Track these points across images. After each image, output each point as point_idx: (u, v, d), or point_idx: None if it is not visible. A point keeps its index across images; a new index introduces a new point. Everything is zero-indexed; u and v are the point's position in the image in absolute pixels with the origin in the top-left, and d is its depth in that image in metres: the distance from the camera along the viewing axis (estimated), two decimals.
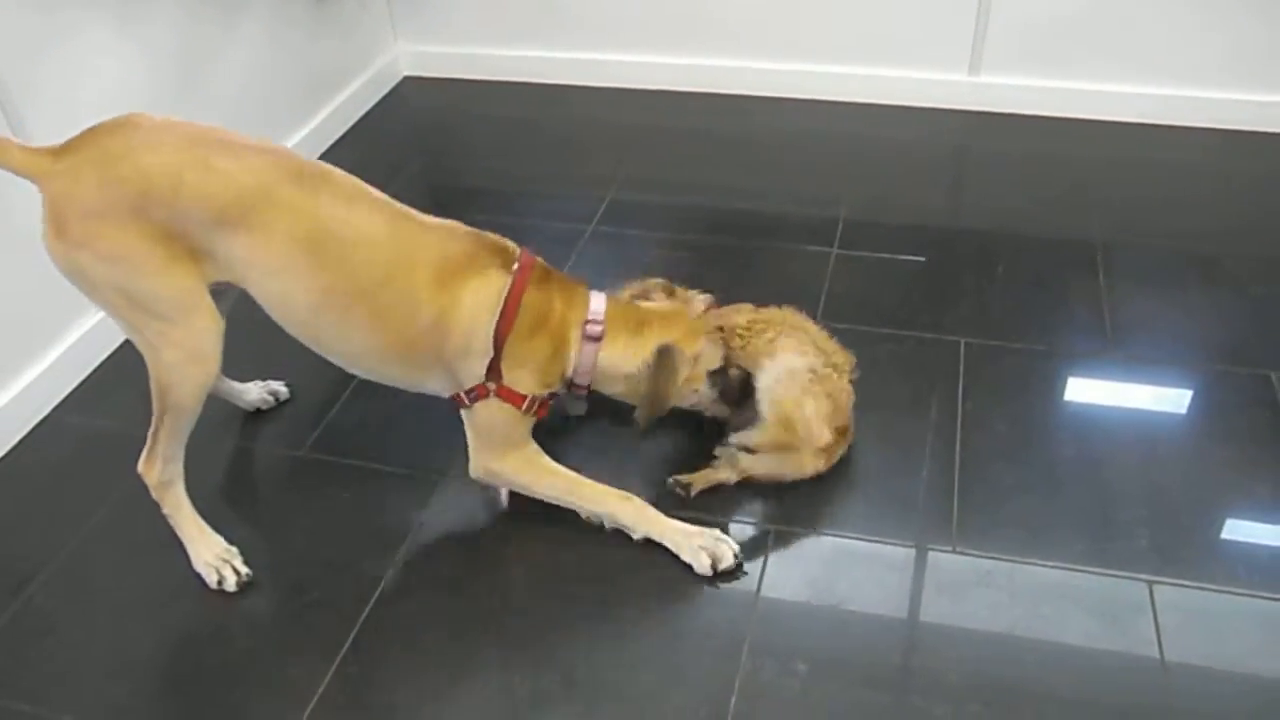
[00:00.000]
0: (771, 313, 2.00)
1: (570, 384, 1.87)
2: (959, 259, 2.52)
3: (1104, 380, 2.16)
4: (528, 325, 1.75)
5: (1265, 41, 2.81)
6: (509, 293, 1.73)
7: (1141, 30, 2.87)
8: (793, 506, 1.88)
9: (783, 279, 2.47)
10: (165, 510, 1.85)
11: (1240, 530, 1.83)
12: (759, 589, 1.76)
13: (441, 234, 1.76)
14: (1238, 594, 1.70)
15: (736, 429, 1.93)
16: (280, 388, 2.22)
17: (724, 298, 2.31)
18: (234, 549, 1.86)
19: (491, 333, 1.73)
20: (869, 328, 2.27)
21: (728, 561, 1.77)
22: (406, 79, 3.49)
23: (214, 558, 1.84)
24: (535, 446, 1.89)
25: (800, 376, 1.87)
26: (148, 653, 1.74)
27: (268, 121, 2.89)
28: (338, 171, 1.75)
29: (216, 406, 2.22)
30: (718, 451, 1.94)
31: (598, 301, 1.84)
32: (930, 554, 1.80)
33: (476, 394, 1.79)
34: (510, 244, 1.82)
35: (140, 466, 1.81)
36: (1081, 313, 2.31)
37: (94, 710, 1.64)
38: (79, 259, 1.63)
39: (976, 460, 1.96)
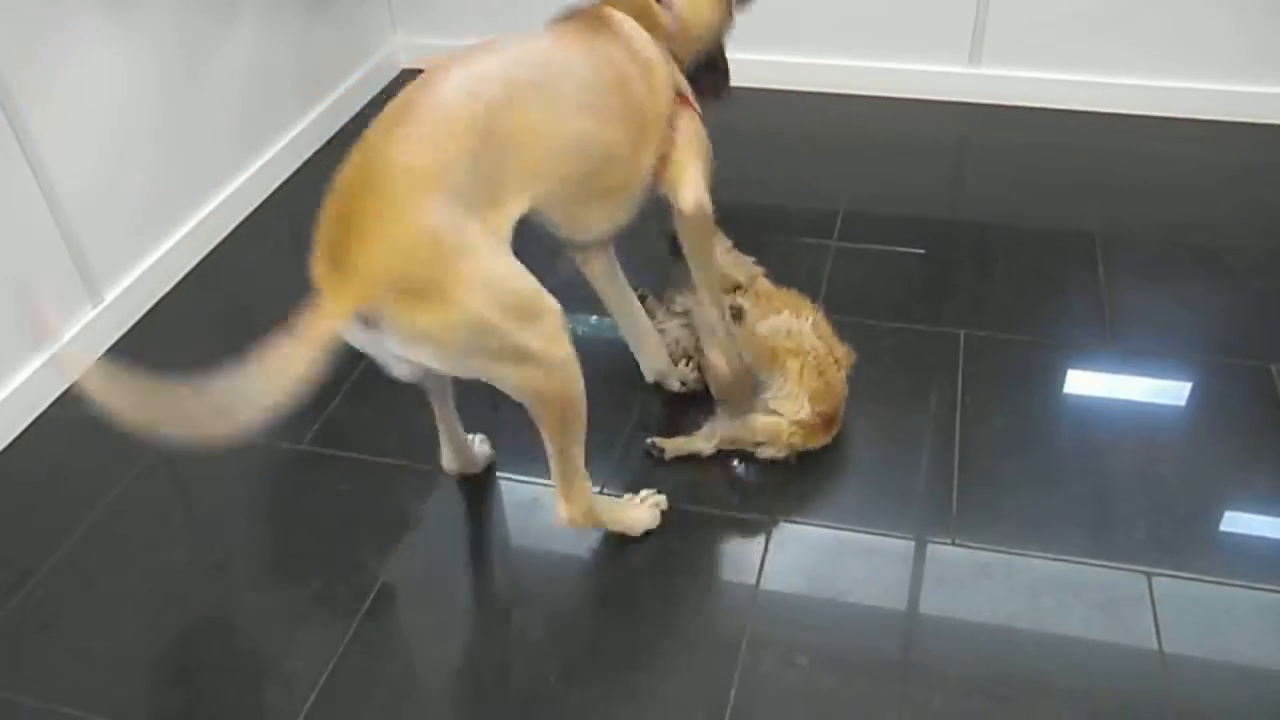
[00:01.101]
0: (785, 293, 2.09)
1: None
2: (958, 251, 2.52)
3: (1103, 372, 2.16)
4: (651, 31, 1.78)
5: (1267, 33, 2.80)
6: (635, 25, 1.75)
7: (1142, 22, 2.87)
8: (792, 499, 1.89)
9: (782, 271, 2.46)
10: (606, 523, 1.76)
11: (1239, 523, 1.83)
12: (758, 582, 1.76)
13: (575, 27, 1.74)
14: (1237, 586, 1.70)
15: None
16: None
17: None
18: (653, 493, 1.87)
19: (648, 55, 1.74)
20: (868, 320, 2.27)
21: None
22: (405, 72, 3.48)
23: (647, 511, 1.83)
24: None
25: (798, 339, 1.92)
26: (148, 646, 1.74)
27: (264, 114, 2.89)
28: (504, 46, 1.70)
29: None
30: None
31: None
32: (929, 546, 1.80)
33: (678, 113, 1.77)
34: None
35: (561, 519, 1.68)
36: (1081, 305, 2.30)
37: (94, 703, 1.64)
38: (450, 313, 1.39)
39: (975, 452, 1.96)
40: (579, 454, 1.64)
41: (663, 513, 1.86)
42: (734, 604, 1.73)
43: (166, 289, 2.54)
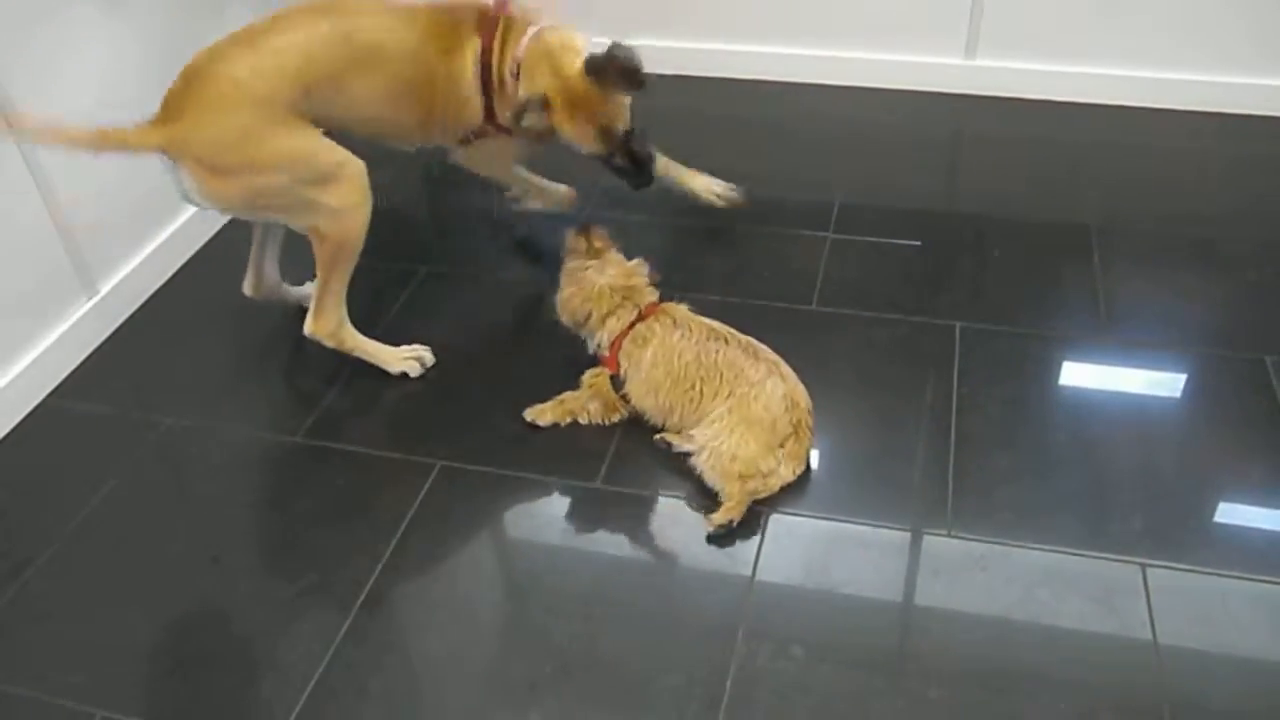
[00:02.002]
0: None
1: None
2: (954, 243, 2.52)
3: (1098, 364, 2.17)
4: (496, 82, 2.11)
5: (1261, 25, 2.80)
6: (480, 55, 2.09)
7: (1137, 14, 2.86)
8: (787, 490, 1.88)
9: (778, 263, 2.47)
10: (346, 348, 2.14)
11: (1234, 514, 1.84)
12: (754, 573, 1.76)
13: (430, 21, 2.07)
14: (1231, 577, 1.70)
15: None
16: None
17: (722, 283, 2.32)
18: (416, 345, 2.19)
19: (477, 88, 2.12)
20: (864, 312, 2.27)
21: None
22: None
23: (404, 358, 2.18)
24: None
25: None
26: (145, 637, 1.74)
27: None
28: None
29: (205, 398, 2.22)
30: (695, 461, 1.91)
31: (522, 47, 2.08)
32: (925, 538, 1.81)
33: (479, 133, 2.20)
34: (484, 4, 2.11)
35: (310, 327, 2.09)
36: (1076, 296, 2.31)
37: (91, 694, 1.65)
38: (250, 184, 1.92)
39: (971, 444, 1.96)
40: (340, 288, 2.07)
41: (659, 496, 1.86)
42: (730, 595, 1.73)
43: (162, 282, 2.53)
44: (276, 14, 2.00)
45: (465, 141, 2.24)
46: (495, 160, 2.36)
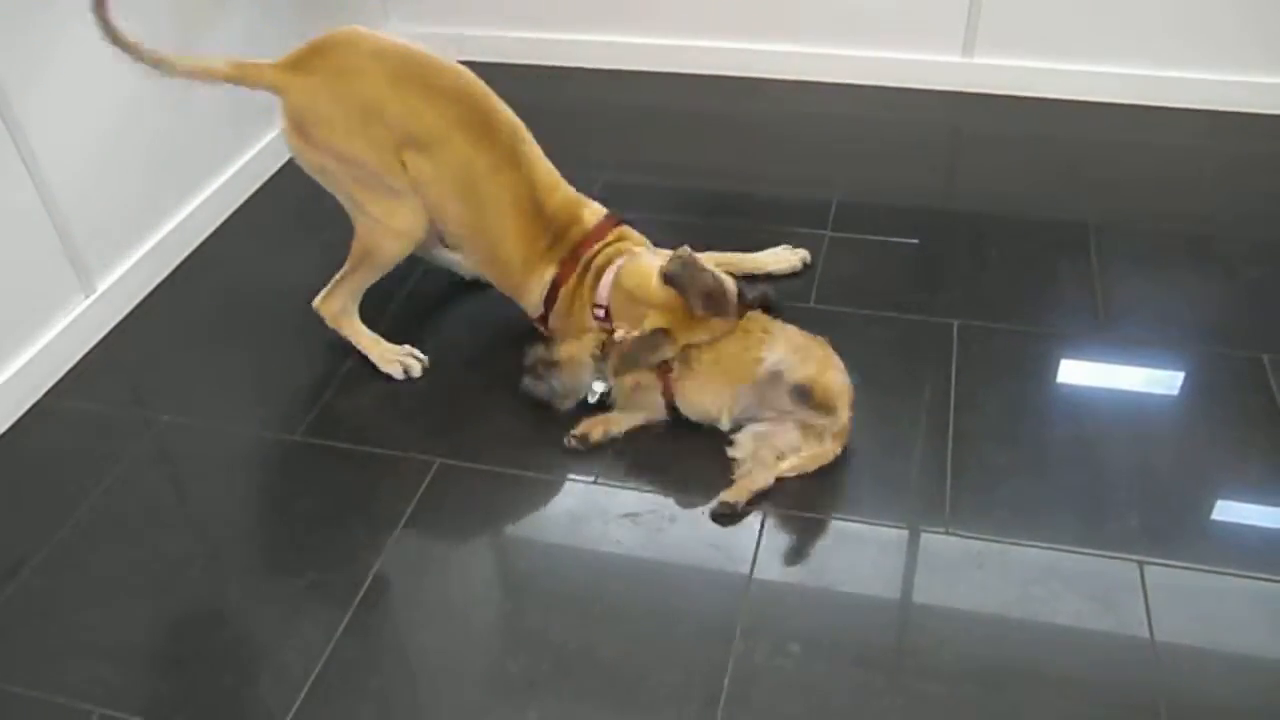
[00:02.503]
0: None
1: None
2: (952, 241, 2.52)
3: (1096, 362, 2.17)
4: (560, 314, 2.14)
5: (1259, 23, 2.80)
6: (553, 281, 2.11)
7: (1135, 12, 2.86)
8: (785, 488, 1.89)
9: None
10: (343, 334, 2.23)
11: (1231, 511, 1.84)
12: (752, 571, 1.76)
13: (532, 226, 2.10)
14: (1228, 574, 1.71)
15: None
16: None
17: None
18: (408, 346, 2.23)
19: (541, 304, 2.15)
20: (862, 310, 2.27)
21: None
22: None
23: (395, 357, 2.22)
24: None
25: (813, 350, 1.93)
26: (142, 635, 1.74)
27: (257, 101, 2.87)
28: (503, 129, 2.08)
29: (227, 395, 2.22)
30: (736, 453, 1.92)
31: (603, 291, 2.06)
32: (923, 535, 1.81)
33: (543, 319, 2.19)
34: (584, 228, 2.13)
35: (317, 302, 2.21)
36: (1074, 294, 2.31)
37: (88, 692, 1.65)
38: (322, 159, 2.06)
39: (969, 442, 1.96)
40: (357, 287, 2.20)
41: (657, 495, 1.86)
42: (728, 592, 1.74)
43: (159, 280, 2.53)
44: (455, 66, 2.08)
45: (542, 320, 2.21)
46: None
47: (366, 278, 2.18)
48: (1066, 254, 2.43)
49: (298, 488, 1.98)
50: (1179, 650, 1.61)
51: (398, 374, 2.20)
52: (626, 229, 2.16)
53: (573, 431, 2.00)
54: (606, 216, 2.16)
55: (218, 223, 2.72)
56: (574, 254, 2.10)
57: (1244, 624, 1.64)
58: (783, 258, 2.37)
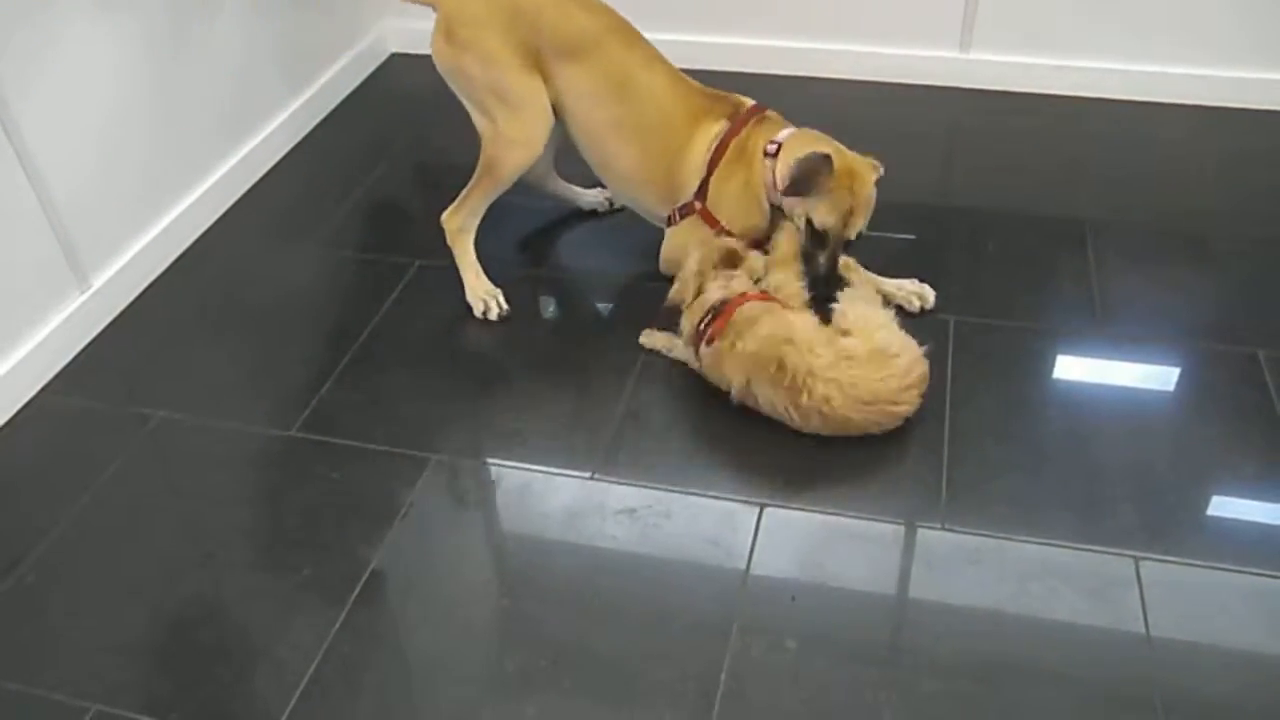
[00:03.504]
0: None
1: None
2: (949, 236, 2.52)
3: (1092, 358, 2.17)
4: (729, 161, 2.20)
5: (1256, 20, 2.80)
6: (722, 137, 2.19)
7: (1132, 8, 2.86)
8: (781, 483, 1.89)
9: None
10: (454, 252, 2.37)
11: (1226, 507, 1.84)
12: (748, 567, 1.76)
13: (697, 95, 2.25)
14: (1223, 570, 1.71)
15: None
16: (610, 198, 2.63)
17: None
18: (499, 290, 2.34)
19: (704, 164, 2.20)
20: None
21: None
22: (394, 55, 3.46)
23: (484, 294, 2.33)
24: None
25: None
26: (139, 632, 1.74)
27: (254, 99, 2.87)
28: (644, 39, 2.26)
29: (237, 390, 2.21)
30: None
31: (785, 131, 2.19)
32: (919, 531, 1.81)
33: (685, 210, 2.25)
34: (744, 101, 2.27)
35: (444, 216, 2.35)
36: (1070, 290, 2.31)
37: (85, 689, 1.64)
38: (461, 59, 2.21)
39: (965, 437, 1.96)
40: (479, 203, 2.32)
41: (653, 490, 1.86)
42: (724, 588, 1.74)
43: (155, 275, 2.53)
44: None
45: (671, 221, 2.28)
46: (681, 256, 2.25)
47: (489, 191, 2.30)
48: (1063, 250, 2.43)
49: (293, 484, 1.98)
50: (1175, 645, 1.61)
51: (478, 310, 2.32)
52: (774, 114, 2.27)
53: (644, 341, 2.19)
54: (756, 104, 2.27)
55: (213, 219, 2.71)
56: (740, 113, 2.21)
57: (1239, 619, 1.64)
58: (908, 290, 2.28)
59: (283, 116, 2.96)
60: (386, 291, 2.41)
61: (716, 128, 2.20)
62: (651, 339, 2.20)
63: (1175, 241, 2.45)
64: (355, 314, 2.35)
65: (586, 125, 2.26)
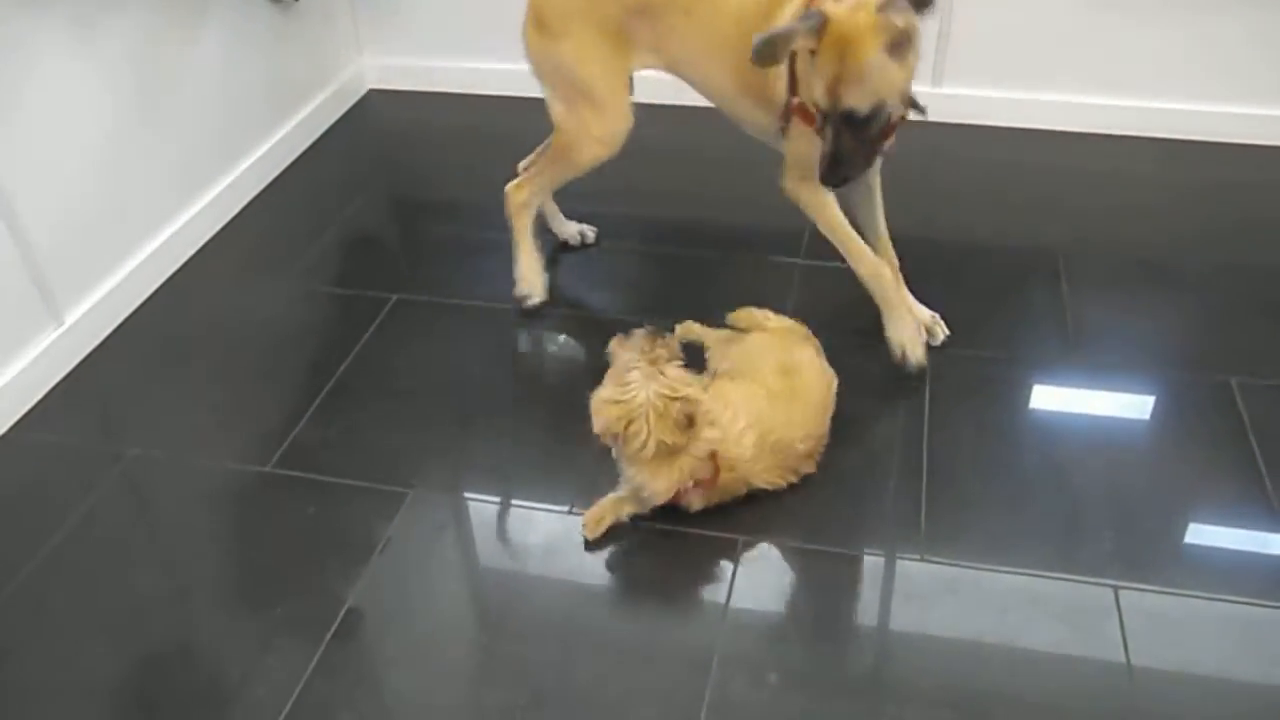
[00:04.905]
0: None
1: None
2: (924, 268, 2.54)
3: (1068, 387, 2.18)
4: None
5: (1221, 54, 2.86)
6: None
7: (1102, 43, 2.91)
8: (760, 516, 1.88)
9: (749, 290, 2.47)
10: (512, 226, 2.40)
11: (1204, 535, 1.85)
12: (728, 600, 1.76)
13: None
14: (1202, 598, 1.72)
15: None
16: (590, 232, 2.64)
17: (692, 310, 2.32)
18: (545, 276, 2.42)
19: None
20: (835, 338, 2.27)
21: (916, 358, 2.14)
22: (372, 92, 3.48)
23: (531, 276, 2.41)
24: (827, 193, 2.14)
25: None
26: (110, 674, 1.71)
27: (232, 134, 2.87)
28: None
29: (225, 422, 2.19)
30: None
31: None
32: (898, 562, 1.81)
33: (786, 112, 2.06)
34: None
35: (509, 187, 2.38)
36: (1045, 320, 2.33)
37: None
38: (552, 48, 2.19)
39: (943, 468, 1.97)
40: (548, 183, 2.40)
41: (631, 526, 1.86)
42: (704, 622, 1.73)
43: (130, 311, 2.51)
44: None
45: (783, 132, 2.11)
46: (810, 167, 2.02)
47: (559, 176, 2.35)
48: (1037, 280, 2.45)
49: (269, 520, 1.96)
50: (1155, 674, 1.61)
51: (520, 292, 2.39)
52: None
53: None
54: None
55: (188, 255, 2.70)
56: None
57: (1219, 647, 1.65)
58: (925, 319, 2.27)
59: (259, 152, 2.96)
60: (363, 326, 2.41)
61: (791, 7, 1.96)
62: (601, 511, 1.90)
63: (1147, 271, 2.48)
64: (332, 349, 2.34)
65: (682, 67, 2.21)
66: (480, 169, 3.08)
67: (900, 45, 1.79)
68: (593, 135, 2.25)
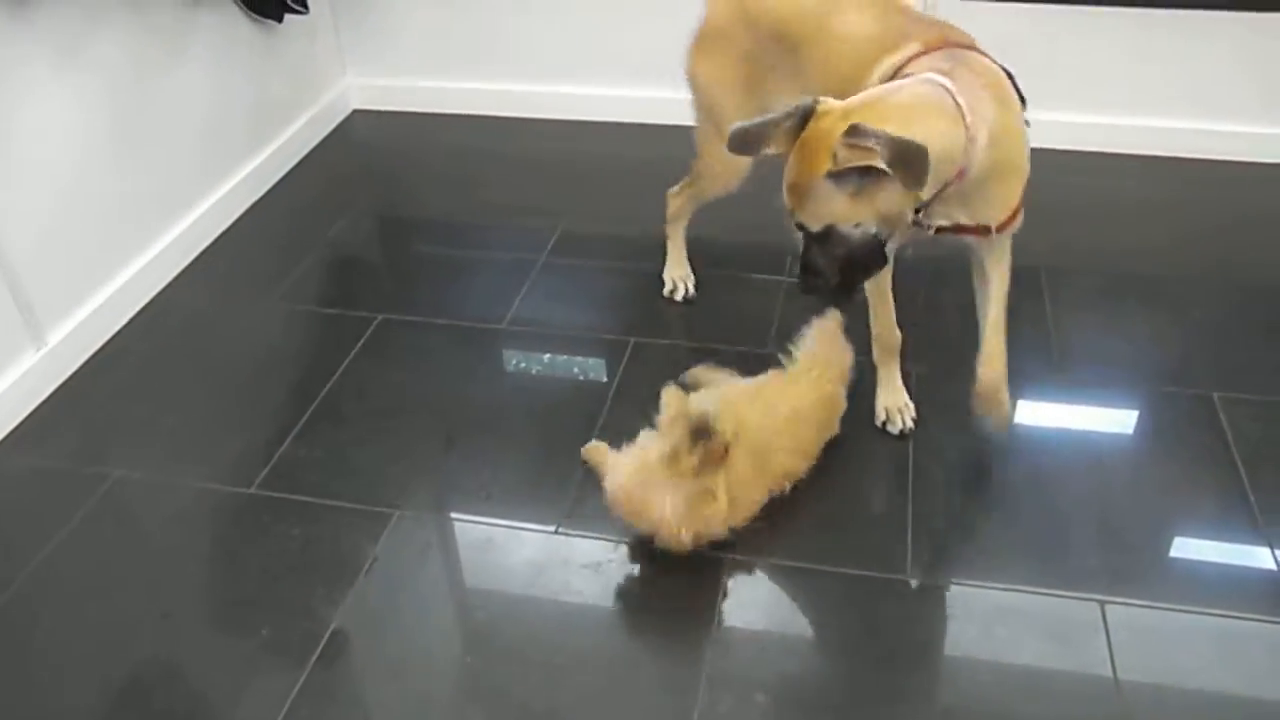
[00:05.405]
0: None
1: None
2: (907, 287, 2.54)
3: (1052, 403, 2.19)
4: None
5: (1203, 72, 2.89)
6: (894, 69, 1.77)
7: (1083, 62, 2.94)
8: (748, 536, 1.88)
9: (733, 308, 2.48)
10: (666, 233, 2.49)
11: (1189, 548, 1.86)
12: (715, 620, 1.75)
13: (895, 21, 1.86)
14: (1188, 612, 1.72)
15: None
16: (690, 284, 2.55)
17: (673, 326, 2.33)
18: (691, 275, 2.50)
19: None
20: None
21: (898, 427, 2.07)
22: (356, 112, 3.48)
23: (678, 276, 2.49)
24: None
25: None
26: (93, 699, 1.69)
27: (215, 155, 2.86)
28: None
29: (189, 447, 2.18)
30: None
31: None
32: (886, 580, 1.81)
33: None
34: (953, 33, 1.85)
35: (669, 192, 2.45)
36: (1029, 337, 2.34)
37: None
38: (696, 70, 2.18)
39: (929, 485, 1.97)
40: (688, 204, 2.44)
41: (616, 545, 1.85)
42: (691, 642, 1.72)
43: (113, 332, 2.50)
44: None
45: None
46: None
47: (696, 197, 2.39)
48: (1021, 297, 2.44)
49: (253, 542, 1.95)
50: (1142, 689, 1.61)
51: (667, 289, 2.47)
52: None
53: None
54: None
55: (172, 275, 2.69)
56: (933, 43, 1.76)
57: (1205, 661, 1.65)
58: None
59: (243, 172, 2.96)
60: (348, 346, 2.40)
61: (894, 58, 1.76)
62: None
63: (1129, 287, 2.50)
64: (317, 369, 2.33)
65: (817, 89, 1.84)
66: (465, 189, 3.09)
67: (847, 179, 1.55)
68: (714, 169, 2.25)
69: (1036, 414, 2.17)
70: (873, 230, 1.61)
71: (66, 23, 2.29)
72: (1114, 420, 2.14)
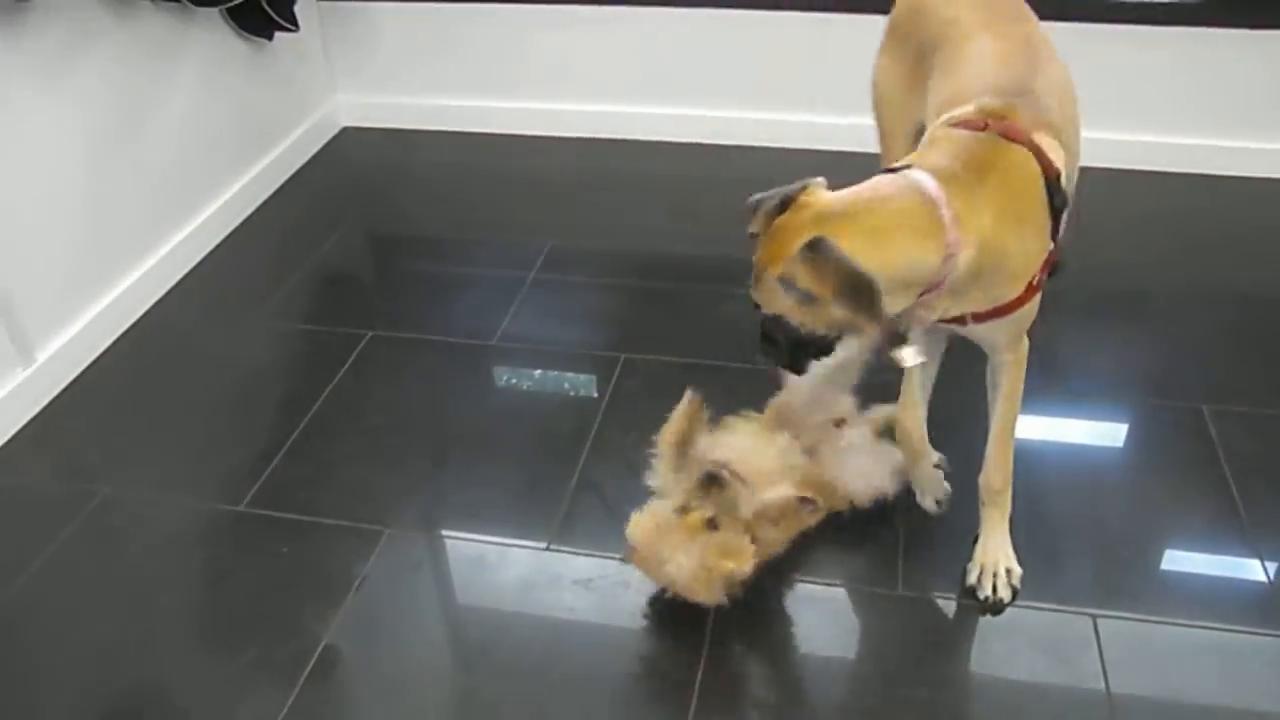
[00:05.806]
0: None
1: None
2: None
3: (1042, 416, 2.19)
4: None
5: (1193, 86, 2.91)
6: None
7: (1076, 74, 2.95)
8: None
9: (719, 322, 2.48)
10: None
11: (1180, 561, 1.86)
12: (707, 635, 1.74)
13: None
14: (1180, 625, 1.72)
15: None
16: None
17: (662, 341, 2.33)
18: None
19: None
20: None
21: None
22: (346, 129, 3.48)
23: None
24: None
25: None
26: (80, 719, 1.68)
27: (205, 172, 2.86)
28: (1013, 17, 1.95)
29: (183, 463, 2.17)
30: None
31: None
32: (879, 594, 1.80)
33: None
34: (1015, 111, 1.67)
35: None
36: None
37: None
38: (876, 64, 2.06)
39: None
40: None
41: (607, 562, 1.85)
42: (684, 658, 1.71)
43: (102, 349, 2.49)
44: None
45: None
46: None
47: None
48: None
49: (242, 560, 1.94)
50: (1134, 702, 1.61)
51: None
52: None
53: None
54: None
55: (161, 292, 2.68)
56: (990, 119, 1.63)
57: (1197, 673, 1.65)
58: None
59: (233, 189, 2.96)
60: (338, 363, 2.39)
61: (952, 112, 1.67)
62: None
63: (1118, 300, 2.51)
64: (306, 386, 2.32)
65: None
66: (455, 206, 3.10)
67: (794, 289, 1.50)
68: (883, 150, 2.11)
69: (1027, 428, 2.17)
70: (820, 332, 1.56)
71: (55, 41, 2.29)
72: (1104, 433, 2.15)
